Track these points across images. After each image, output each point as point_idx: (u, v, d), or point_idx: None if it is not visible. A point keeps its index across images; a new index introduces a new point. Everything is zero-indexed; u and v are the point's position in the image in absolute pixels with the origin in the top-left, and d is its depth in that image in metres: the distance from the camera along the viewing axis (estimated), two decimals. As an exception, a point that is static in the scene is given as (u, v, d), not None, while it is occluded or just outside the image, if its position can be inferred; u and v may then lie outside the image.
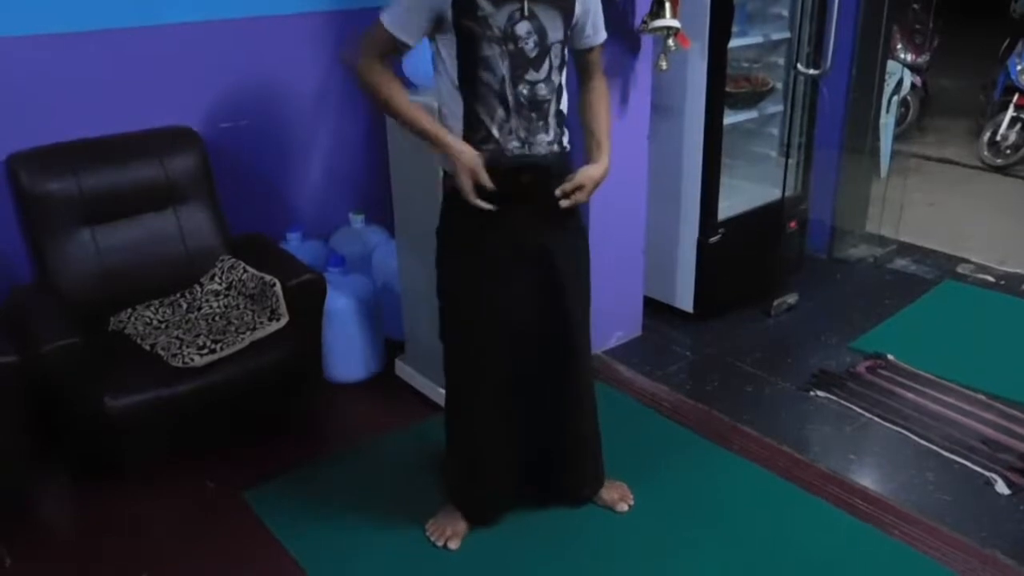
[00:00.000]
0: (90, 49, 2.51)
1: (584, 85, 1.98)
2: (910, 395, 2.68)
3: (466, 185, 1.78)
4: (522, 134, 1.80)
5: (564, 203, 1.85)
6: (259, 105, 2.88)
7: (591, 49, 1.93)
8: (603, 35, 1.93)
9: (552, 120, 1.84)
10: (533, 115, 1.80)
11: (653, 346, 3.02)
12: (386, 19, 1.75)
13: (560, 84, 1.83)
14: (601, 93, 1.97)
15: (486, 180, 1.77)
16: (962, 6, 6.13)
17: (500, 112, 1.78)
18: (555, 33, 1.77)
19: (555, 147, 1.85)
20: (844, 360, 2.90)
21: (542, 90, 1.79)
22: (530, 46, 1.75)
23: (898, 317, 3.22)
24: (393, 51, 1.79)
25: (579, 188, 1.86)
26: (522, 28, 1.73)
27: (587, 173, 1.88)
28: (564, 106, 1.87)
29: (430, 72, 1.89)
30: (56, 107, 2.49)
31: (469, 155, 1.78)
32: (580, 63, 1.96)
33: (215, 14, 2.70)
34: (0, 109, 2.40)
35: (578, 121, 1.97)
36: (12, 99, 2.41)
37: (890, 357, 2.89)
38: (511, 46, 1.73)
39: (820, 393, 2.70)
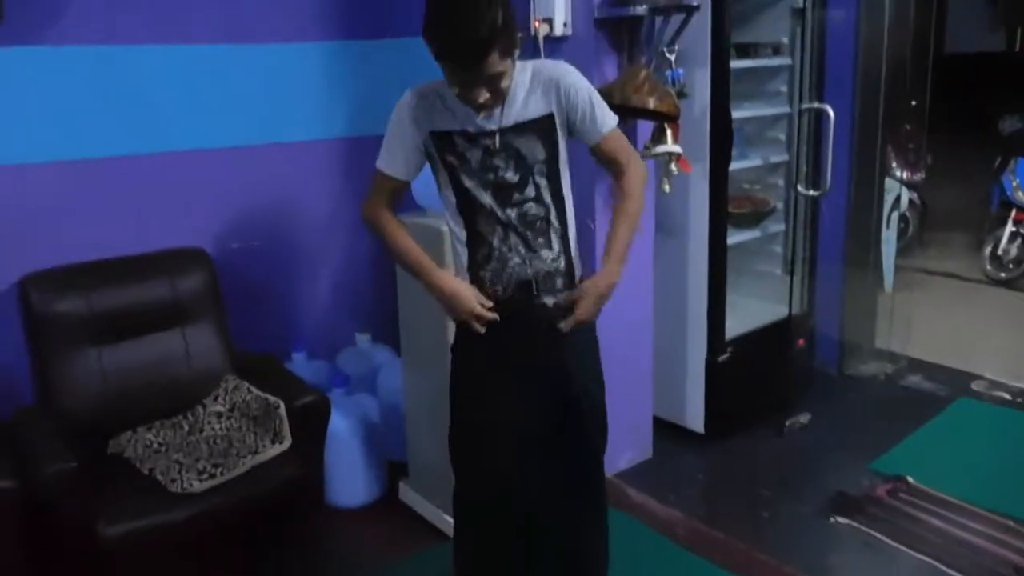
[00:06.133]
0: (107, 174, 2.59)
1: (614, 184, 1.89)
2: (935, 521, 2.58)
3: (472, 325, 1.80)
4: (522, 250, 1.80)
5: (563, 325, 1.80)
6: (270, 226, 2.95)
7: (598, 143, 1.82)
8: (607, 126, 1.80)
9: (556, 241, 1.82)
10: (529, 233, 1.80)
11: (664, 468, 2.94)
12: (379, 162, 1.85)
13: (555, 200, 1.81)
14: (625, 196, 1.84)
15: (487, 313, 1.79)
16: (952, 124, 6.34)
17: (499, 231, 1.79)
18: (535, 155, 1.77)
19: (560, 264, 1.83)
20: (862, 482, 2.81)
21: (533, 209, 1.79)
22: (510, 174, 1.77)
23: (915, 437, 3.15)
24: (393, 190, 1.86)
25: (578, 301, 1.80)
26: (499, 159, 1.76)
27: (586, 285, 1.82)
28: (571, 236, 1.86)
29: (435, 194, 1.93)
30: (72, 230, 2.55)
31: (464, 297, 1.79)
32: (600, 162, 1.88)
33: (229, 142, 2.80)
34: (17, 232, 2.46)
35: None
36: (30, 222, 2.47)
37: (910, 480, 2.80)
38: (491, 176, 1.76)
39: (840, 519, 2.60)
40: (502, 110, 1.73)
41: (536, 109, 1.76)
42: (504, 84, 1.67)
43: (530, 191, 1.79)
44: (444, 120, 1.76)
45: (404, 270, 1.91)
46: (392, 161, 1.83)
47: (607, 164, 1.87)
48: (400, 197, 1.90)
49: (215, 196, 2.81)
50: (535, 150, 1.77)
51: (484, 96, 1.66)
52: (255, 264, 2.92)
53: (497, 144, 1.75)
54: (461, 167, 1.77)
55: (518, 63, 1.75)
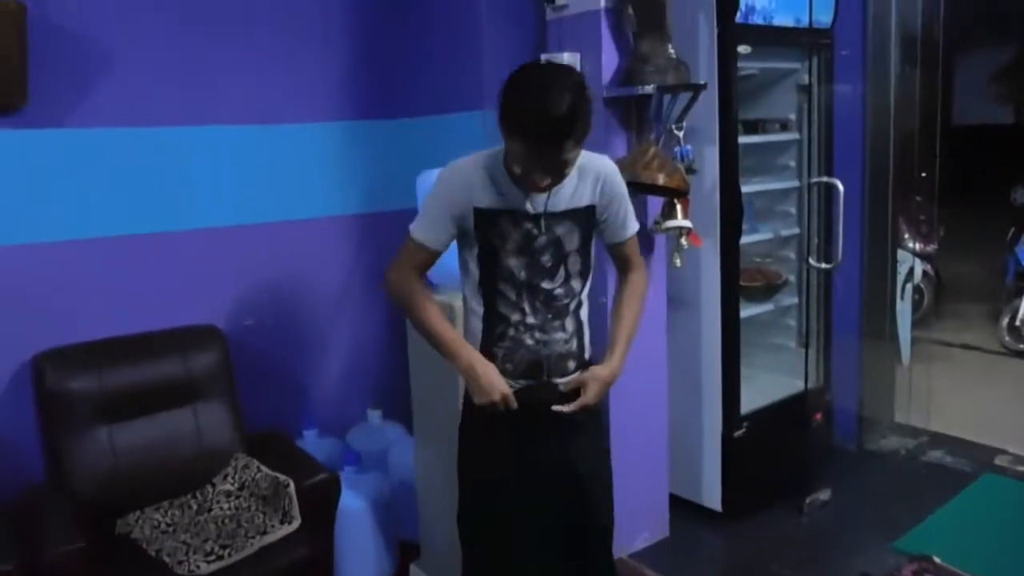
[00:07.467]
0: (122, 252, 2.63)
1: (619, 280, 1.97)
2: (964, 605, 2.48)
3: (488, 406, 1.78)
4: (537, 334, 1.81)
5: (567, 408, 1.79)
6: (282, 302, 2.97)
7: (620, 243, 1.92)
8: (631, 229, 1.91)
9: (570, 322, 1.84)
10: (549, 315, 1.81)
11: (682, 548, 2.85)
12: (414, 231, 1.80)
13: (579, 291, 1.84)
14: (632, 291, 1.94)
15: (512, 402, 1.77)
16: (964, 196, 6.37)
17: (518, 313, 1.80)
18: (571, 244, 1.81)
19: (572, 346, 1.84)
20: (887, 562, 2.71)
21: (558, 291, 1.81)
22: (546, 257, 1.79)
23: (939, 514, 3.05)
24: (425, 261, 1.83)
25: (585, 385, 1.81)
26: (540, 242, 1.78)
27: (593, 372, 1.84)
28: (584, 316, 1.87)
29: (449, 271, 1.93)
30: (88, 307, 2.58)
31: (496, 379, 1.77)
32: (612, 256, 1.96)
33: (244, 219, 2.85)
34: (32, 310, 2.48)
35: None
36: (45, 300, 2.50)
37: (936, 559, 2.70)
38: (527, 259, 1.78)
39: (865, 602, 2.51)
40: (548, 195, 1.75)
41: (581, 199, 1.80)
42: (568, 171, 1.71)
43: (560, 277, 1.81)
44: (491, 197, 1.75)
45: (431, 345, 1.84)
46: (432, 231, 1.78)
47: (620, 261, 1.96)
48: (429, 268, 1.86)
49: (229, 273, 2.84)
50: (572, 238, 1.81)
51: (546, 181, 1.67)
52: (267, 340, 2.93)
53: (542, 228, 1.77)
54: (502, 247, 1.77)
55: None
